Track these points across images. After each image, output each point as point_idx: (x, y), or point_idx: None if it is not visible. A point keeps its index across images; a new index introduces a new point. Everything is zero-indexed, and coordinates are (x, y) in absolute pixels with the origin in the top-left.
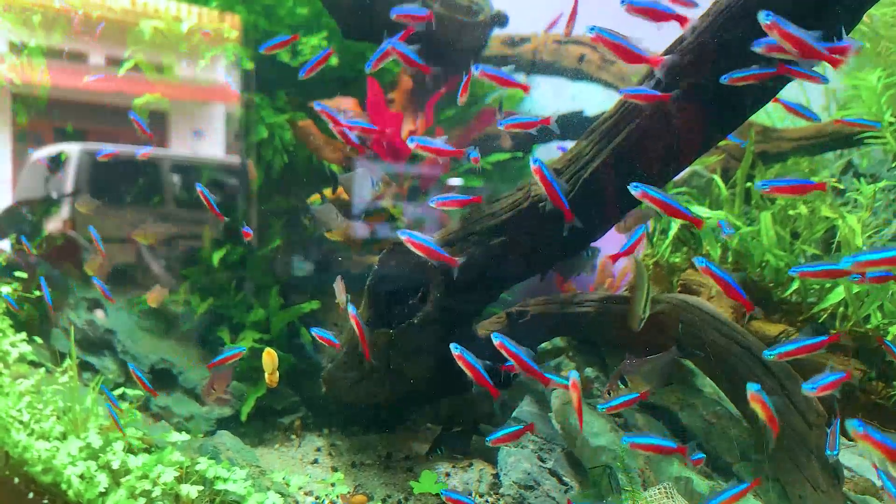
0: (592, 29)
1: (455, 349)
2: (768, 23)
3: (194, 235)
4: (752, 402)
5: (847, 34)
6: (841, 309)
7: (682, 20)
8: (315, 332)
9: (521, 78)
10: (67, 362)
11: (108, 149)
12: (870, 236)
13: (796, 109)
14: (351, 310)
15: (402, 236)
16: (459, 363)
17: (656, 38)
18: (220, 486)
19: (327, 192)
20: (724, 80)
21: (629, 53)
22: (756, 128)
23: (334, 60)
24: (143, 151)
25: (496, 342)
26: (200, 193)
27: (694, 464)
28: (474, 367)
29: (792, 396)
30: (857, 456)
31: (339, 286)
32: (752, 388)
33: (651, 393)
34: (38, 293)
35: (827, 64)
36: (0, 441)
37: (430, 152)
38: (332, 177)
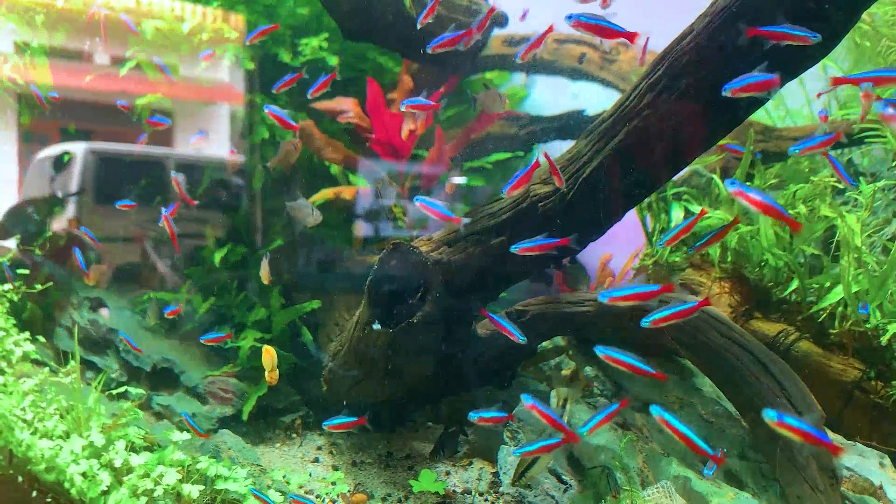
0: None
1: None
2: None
3: (197, 235)
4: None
5: (846, 33)
6: (840, 308)
7: (630, 37)
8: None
9: (521, 77)
10: (71, 364)
11: None
12: (869, 235)
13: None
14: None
15: None
16: None
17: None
18: (220, 485)
19: (325, 191)
20: (726, 89)
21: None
22: (756, 127)
23: (334, 60)
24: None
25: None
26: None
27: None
28: None
29: (790, 396)
30: (856, 455)
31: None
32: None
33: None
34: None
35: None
36: (4, 440)
37: None
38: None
